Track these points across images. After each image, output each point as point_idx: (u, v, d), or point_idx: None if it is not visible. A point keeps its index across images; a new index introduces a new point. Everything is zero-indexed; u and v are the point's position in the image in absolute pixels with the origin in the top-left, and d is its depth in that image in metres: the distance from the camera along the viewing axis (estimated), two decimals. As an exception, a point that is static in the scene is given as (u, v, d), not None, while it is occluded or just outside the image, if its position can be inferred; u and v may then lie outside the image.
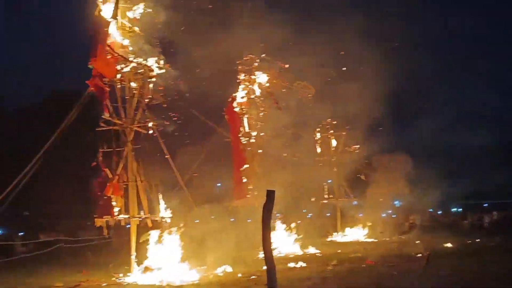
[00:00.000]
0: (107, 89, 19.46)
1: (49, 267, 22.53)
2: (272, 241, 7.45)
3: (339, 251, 24.78)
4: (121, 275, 18.61)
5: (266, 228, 5.25)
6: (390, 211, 42.19)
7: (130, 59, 19.78)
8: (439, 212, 45.15)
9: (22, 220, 45.49)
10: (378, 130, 33.85)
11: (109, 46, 18.94)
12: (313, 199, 33.15)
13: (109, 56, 19.03)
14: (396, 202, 49.30)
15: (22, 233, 39.27)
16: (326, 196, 35.47)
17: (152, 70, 20.01)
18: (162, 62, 20.10)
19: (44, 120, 39.19)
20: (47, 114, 40.12)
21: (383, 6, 32.02)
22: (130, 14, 20.08)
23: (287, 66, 28.02)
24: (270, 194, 5.37)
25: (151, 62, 19.91)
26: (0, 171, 34.08)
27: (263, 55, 27.83)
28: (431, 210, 41.79)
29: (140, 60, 19.88)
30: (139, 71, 19.91)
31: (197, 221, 21.27)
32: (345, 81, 29.69)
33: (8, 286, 17.57)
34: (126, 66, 19.71)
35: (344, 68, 29.85)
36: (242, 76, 27.84)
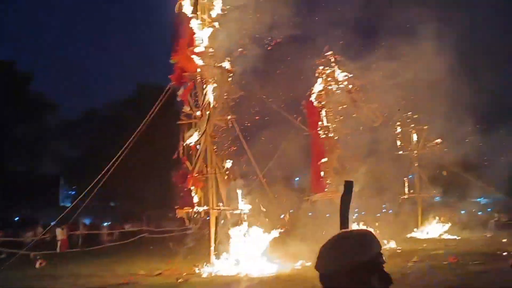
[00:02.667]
0: (189, 83, 19.96)
1: (133, 256, 23.43)
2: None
3: (420, 247, 24.09)
4: (200, 265, 18.99)
5: (344, 220, 5.16)
6: (475, 209, 40.57)
7: (210, 54, 20.15)
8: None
9: (108, 211, 47.64)
10: (464, 126, 32.59)
11: (189, 41, 19.41)
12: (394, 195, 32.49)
13: (190, 52, 19.50)
14: (481, 199, 47.37)
15: (108, 223, 41.09)
16: (406, 191, 34.61)
17: (234, 66, 20.31)
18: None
19: (131, 113, 40.77)
20: (134, 108, 41.72)
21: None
22: (212, 11, 20.44)
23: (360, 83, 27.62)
24: (348, 185, 5.27)
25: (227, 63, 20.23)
26: (90, 164, 35.77)
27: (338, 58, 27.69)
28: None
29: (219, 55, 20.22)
30: (218, 65, 20.23)
31: (282, 216, 21.41)
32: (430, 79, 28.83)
33: (96, 272, 18.42)
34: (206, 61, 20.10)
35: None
36: (321, 69, 27.67)
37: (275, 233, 19.04)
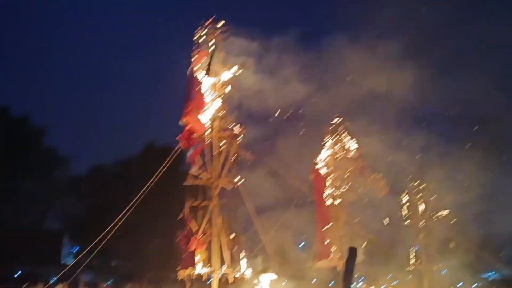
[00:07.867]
0: (198, 144, 20.17)
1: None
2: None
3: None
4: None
5: (347, 286, 5.18)
6: (480, 284, 39.65)
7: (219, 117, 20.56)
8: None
9: (109, 269, 46.90)
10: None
11: (200, 103, 19.81)
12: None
13: (199, 114, 19.86)
14: (489, 274, 46.31)
15: (109, 282, 40.45)
16: (412, 262, 33.97)
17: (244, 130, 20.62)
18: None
19: (138, 172, 40.91)
20: (141, 167, 41.89)
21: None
22: (224, 75, 20.93)
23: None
24: (352, 251, 5.33)
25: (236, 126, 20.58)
26: (95, 221, 35.63)
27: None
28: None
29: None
30: (227, 128, 20.55)
31: (285, 282, 21.12)
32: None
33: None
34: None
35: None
36: (328, 136, 27.92)
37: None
